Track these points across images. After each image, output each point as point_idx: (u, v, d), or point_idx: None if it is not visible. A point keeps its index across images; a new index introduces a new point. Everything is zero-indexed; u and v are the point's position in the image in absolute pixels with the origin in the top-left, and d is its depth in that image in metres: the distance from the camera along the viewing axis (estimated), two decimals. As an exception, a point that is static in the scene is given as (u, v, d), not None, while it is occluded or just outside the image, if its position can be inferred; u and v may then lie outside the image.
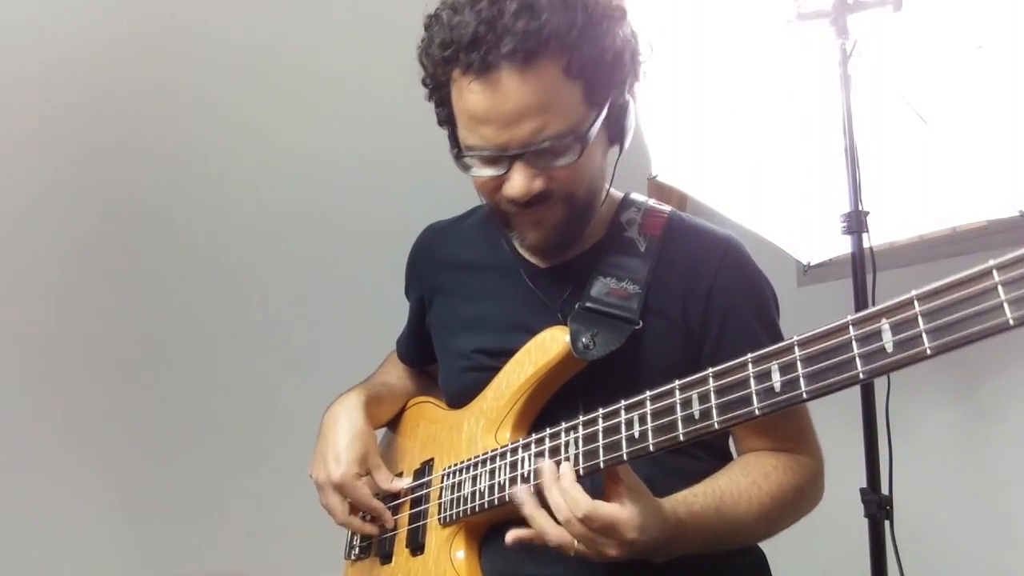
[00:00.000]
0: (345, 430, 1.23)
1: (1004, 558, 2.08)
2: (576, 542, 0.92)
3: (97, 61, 2.32)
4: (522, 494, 0.96)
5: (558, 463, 0.95)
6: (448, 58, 1.01)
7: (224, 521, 2.35)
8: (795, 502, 1.08)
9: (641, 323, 1.08)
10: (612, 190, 1.19)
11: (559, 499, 0.91)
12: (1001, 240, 2.10)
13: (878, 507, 1.56)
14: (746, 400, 0.81)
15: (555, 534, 0.92)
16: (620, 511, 0.90)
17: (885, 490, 1.59)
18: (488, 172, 1.05)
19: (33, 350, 2.24)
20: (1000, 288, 0.64)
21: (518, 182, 1.02)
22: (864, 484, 1.59)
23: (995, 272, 0.64)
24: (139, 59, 2.38)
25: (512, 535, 0.98)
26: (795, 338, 0.78)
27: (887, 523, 1.56)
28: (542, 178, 1.03)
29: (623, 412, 0.92)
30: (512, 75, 0.97)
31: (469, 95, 1.00)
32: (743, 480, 1.05)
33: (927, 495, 1.94)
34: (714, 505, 1.01)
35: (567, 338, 1.06)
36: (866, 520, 1.57)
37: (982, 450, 2.15)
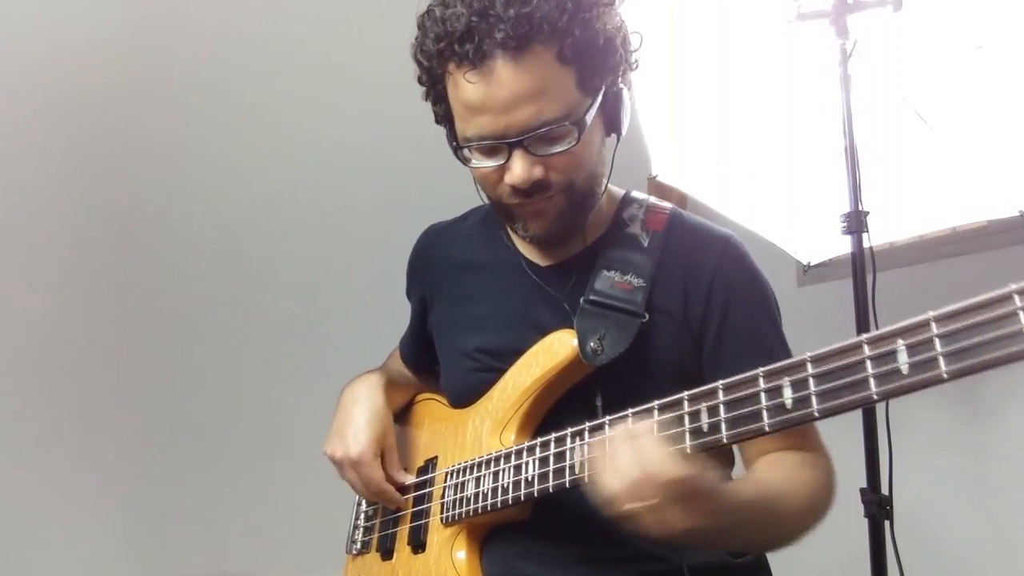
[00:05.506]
0: (365, 408, 1.24)
1: (1004, 558, 2.08)
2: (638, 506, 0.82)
3: (97, 59, 2.31)
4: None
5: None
6: (443, 51, 1.02)
7: (224, 521, 2.35)
8: (828, 496, 1.05)
9: (647, 316, 1.08)
10: (613, 188, 1.19)
11: (626, 457, 0.83)
12: (1001, 240, 2.10)
13: (878, 507, 1.56)
14: (756, 416, 0.80)
15: (619, 488, 0.83)
16: (691, 468, 0.82)
17: (885, 490, 1.59)
18: (488, 163, 1.06)
19: (33, 349, 2.24)
20: (1021, 314, 0.62)
21: (518, 169, 1.02)
22: (864, 484, 1.59)
23: (1016, 297, 0.63)
24: (139, 56, 2.38)
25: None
26: (808, 354, 0.77)
27: (887, 523, 1.57)
28: (541, 166, 1.03)
29: (630, 421, 0.92)
30: (506, 63, 0.98)
31: (465, 86, 1.01)
32: (779, 475, 1.02)
33: (927, 495, 1.94)
34: (756, 493, 0.96)
35: (575, 342, 1.06)
36: (866, 520, 1.57)
37: (982, 450, 2.15)
